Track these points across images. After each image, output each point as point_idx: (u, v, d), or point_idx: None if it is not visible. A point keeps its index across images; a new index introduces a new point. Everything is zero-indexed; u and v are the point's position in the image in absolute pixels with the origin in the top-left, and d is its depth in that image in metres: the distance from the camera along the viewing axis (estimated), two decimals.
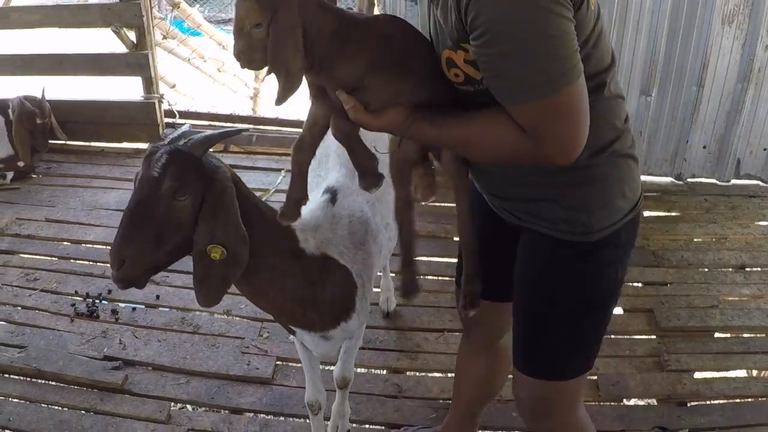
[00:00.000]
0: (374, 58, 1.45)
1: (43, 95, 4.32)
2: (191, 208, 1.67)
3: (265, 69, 1.45)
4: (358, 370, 2.80)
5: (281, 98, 1.43)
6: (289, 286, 1.87)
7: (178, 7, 5.74)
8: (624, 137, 1.64)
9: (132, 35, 4.42)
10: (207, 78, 6.19)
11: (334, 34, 1.42)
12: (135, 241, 1.68)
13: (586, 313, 1.75)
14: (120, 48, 4.60)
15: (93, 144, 4.77)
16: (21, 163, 4.29)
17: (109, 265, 2.71)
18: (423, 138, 1.58)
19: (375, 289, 3.13)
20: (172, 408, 2.64)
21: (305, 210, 1.77)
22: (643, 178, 3.76)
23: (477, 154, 1.60)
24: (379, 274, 3.10)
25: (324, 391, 2.37)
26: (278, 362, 2.85)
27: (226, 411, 2.66)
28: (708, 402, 2.70)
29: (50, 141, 4.60)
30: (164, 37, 4.47)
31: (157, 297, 3.20)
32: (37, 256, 3.56)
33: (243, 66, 1.46)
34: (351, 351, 2.32)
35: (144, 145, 4.66)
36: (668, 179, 4.15)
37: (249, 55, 1.40)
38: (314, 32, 1.40)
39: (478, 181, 1.77)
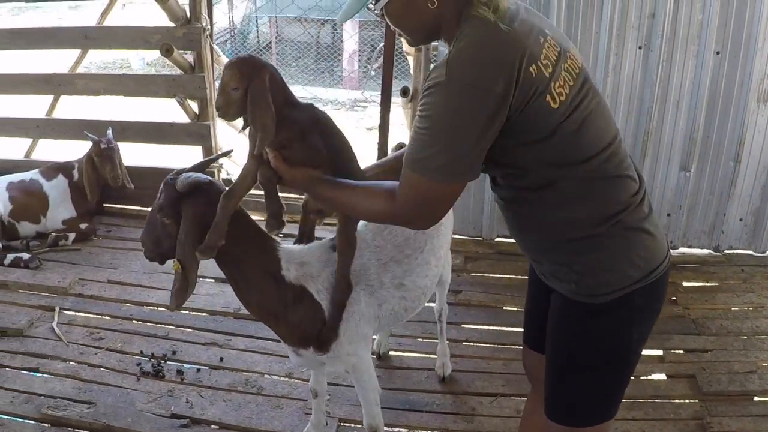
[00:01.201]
0: (303, 131, 1.94)
1: (108, 133, 4.48)
2: (173, 225, 2.18)
3: (240, 122, 1.96)
4: None
5: (260, 147, 1.88)
6: (264, 301, 2.28)
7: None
8: (632, 212, 1.77)
9: (194, 106, 4.62)
10: None
11: (283, 106, 1.92)
12: (146, 240, 2.32)
13: (603, 368, 1.91)
14: (181, 117, 4.82)
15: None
16: (83, 225, 4.48)
17: (172, 327, 3.19)
18: (321, 197, 1.97)
19: (431, 355, 3.29)
20: None
21: (306, 246, 2.37)
22: (682, 249, 3.98)
23: (357, 216, 2.06)
24: (435, 340, 3.25)
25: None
26: (341, 423, 2.96)
27: None
28: None
29: (107, 205, 4.81)
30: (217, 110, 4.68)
31: (221, 359, 3.33)
32: (101, 316, 3.69)
33: (220, 116, 1.97)
34: (364, 395, 2.53)
35: None
36: (707, 251, 4.25)
37: (226, 109, 1.90)
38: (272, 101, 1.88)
39: (522, 249, 1.97)
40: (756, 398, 3.14)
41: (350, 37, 11.07)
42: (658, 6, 3.68)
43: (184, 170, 2.22)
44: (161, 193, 2.23)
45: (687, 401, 3.11)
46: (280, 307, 2.28)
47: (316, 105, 2.07)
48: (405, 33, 1.84)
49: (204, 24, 4.36)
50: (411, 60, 4.08)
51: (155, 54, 12.19)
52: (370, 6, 1.74)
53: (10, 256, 4.17)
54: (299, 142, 1.94)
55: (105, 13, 4.79)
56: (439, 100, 1.63)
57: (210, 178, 2.24)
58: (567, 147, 1.71)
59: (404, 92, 4.02)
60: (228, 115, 1.93)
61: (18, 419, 2.95)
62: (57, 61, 5.73)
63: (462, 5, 1.68)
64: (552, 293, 1.94)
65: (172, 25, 4.40)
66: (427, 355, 3.39)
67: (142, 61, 12.04)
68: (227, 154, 2.86)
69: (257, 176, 1.99)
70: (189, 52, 4.52)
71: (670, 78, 3.83)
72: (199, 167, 2.33)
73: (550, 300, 1.95)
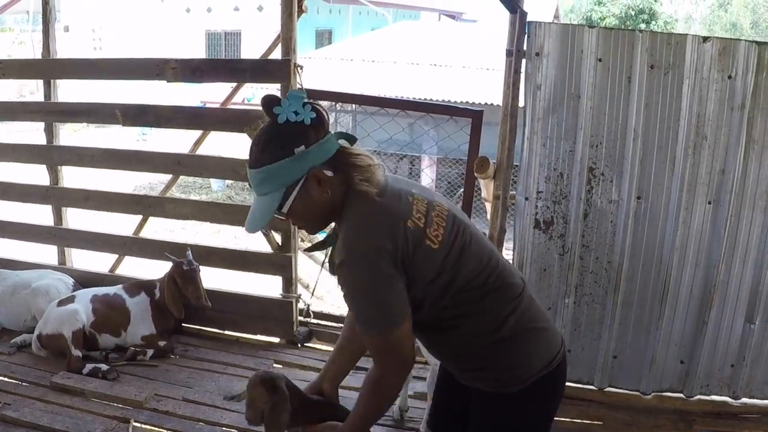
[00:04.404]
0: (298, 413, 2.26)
1: (188, 254, 4.71)
2: None
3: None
4: None
5: None
6: None
7: None
8: (520, 316, 2.18)
9: (278, 237, 4.80)
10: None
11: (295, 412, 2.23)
12: None
13: None
14: (263, 246, 5.03)
15: (228, 333, 5.09)
16: (162, 343, 4.65)
17: None
18: None
19: None
20: None
21: None
22: (745, 400, 3.99)
23: (380, 416, 2.26)
24: None
25: None
26: None
27: None
28: None
29: (185, 324, 4.99)
30: (302, 240, 4.88)
31: None
32: None
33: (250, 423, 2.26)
34: None
35: (277, 340, 5.00)
36: None
37: (255, 420, 2.21)
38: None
39: (442, 362, 2.42)
40: None
41: (428, 172, 11.36)
42: (728, 163, 3.80)
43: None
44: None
45: None
46: None
47: None
48: (305, 224, 2.18)
49: None
50: (488, 206, 4.26)
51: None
52: (275, 213, 2.07)
53: (89, 366, 4.33)
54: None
55: (197, 143, 5.06)
56: (348, 275, 2.01)
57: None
58: (454, 278, 2.09)
59: None
60: (253, 423, 2.23)
61: None
62: (146, 176, 6.02)
63: (346, 185, 2.06)
64: (470, 389, 2.28)
65: None
66: None
67: (222, 183, 12.50)
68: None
69: None
70: None
71: (737, 233, 3.90)
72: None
73: (470, 395, 2.29)
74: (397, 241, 1.99)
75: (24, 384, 4.19)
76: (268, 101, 1.99)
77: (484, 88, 11.42)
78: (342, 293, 2.06)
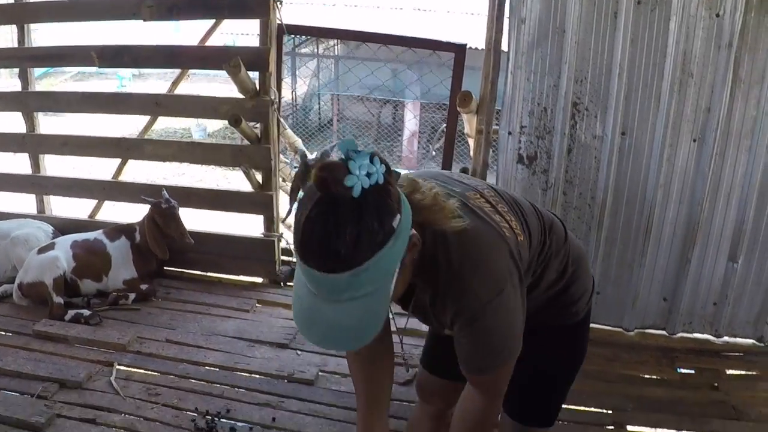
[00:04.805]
0: None
1: (163, 194, 4.65)
2: None
3: None
4: None
5: None
6: None
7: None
8: (574, 249, 2.16)
9: (259, 176, 4.74)
10: None
11: None
12: None
13: (574, 373, 2.30)
14: (244, 186, 4.97)
15: (210, 274, 5.07)
16: (144, 286, 4.62)
17: (227, 386, 3.39)
18: None
19: None
20: None
21: None
22: (726, 338, 4.06)
23: None
24: None
25: None
26: None
27: None
28: None
29: (167, 268, 4.96)
30: (284, 180, 4.83)
31: (273, 419, 3.38)
32: (158, 374, 3.78)
33: None
34: None
35: (259, 279, 4.98)
36: (750, 341, 4.25)
37: None
38: None
39: None
40: None
41: (412, 118, 11.29)
42: (714, 101, 3.76)
43: None
44: None
45: None
46: None
47: None
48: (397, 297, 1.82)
49: (272, 97, 4.52)
50: (471, 142, 4.22)
51: (216, 125, 12.62)
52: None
53: (71, 312, 4.30)
54: None
55: (175, 83, 4.99)
56: (489, 323, 1.76)
57: None
58: (531, 244, 1.97)
59: (464, 171, 4.14)
60: None
61: None
62: (124, 126, 5.97)
63: (430, 234, 1.70)
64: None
65: (241, 96, 4.57)
66: None
67: (203, 132, 12.40)
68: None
69: None
70: (256, 124, 4.68)
71: (722, 171, 3.89)
72: None
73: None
74: (514, 256, 1.81)
75: (6, 334, 4.16)
76: (331, 170, 1.41)
77: (469, 32, 11.32)
78: (465, 346, 1.82)
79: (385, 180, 1.46)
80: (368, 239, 1.43)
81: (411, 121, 11.29)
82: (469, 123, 4.23)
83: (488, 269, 1.75)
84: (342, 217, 1.41)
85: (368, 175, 1.41)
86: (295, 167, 3.71)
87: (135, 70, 17.96)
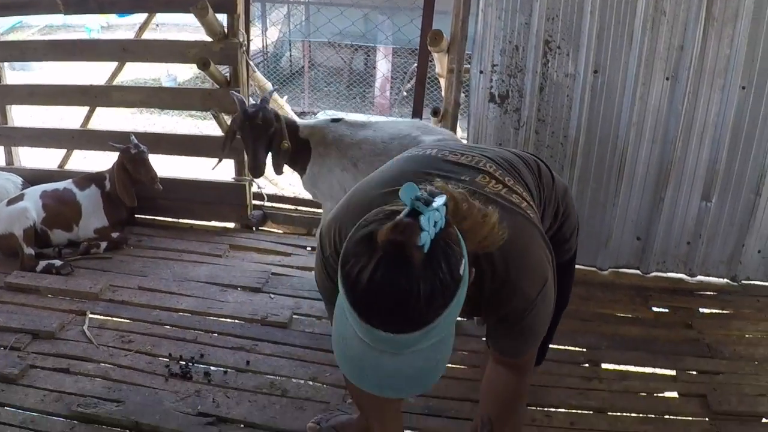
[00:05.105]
0: None
1: (132, 139, 4.58)
2: None
3: None
4: None
5: None
6: None
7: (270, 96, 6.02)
8: (560, 195, 2.28)
9: (228, 119, 4.58)
10: None
11: None
12: None
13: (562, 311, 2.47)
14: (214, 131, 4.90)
15: (182, 221, 5.03)
16: (115, 234, 4.58)
17: (200, 331, 3.45)
18: None
19: (449, 365, 3.32)
20: None
21: None
22: (700, 277, 4.10)
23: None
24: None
25: None
26: None
27: None
28: None
29: (138, 216, 4.92)
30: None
31: (248, 363, 3.38)
32: (131, 321, 3.75)
33: None
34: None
35: (231, 225, 4.95)
36: (724, 280, 4.28)
37: None
38: None
39: None
40: (764, 420, 3.17)
41: (384, 63, 11.17)
42: (687, 39, 3.74)
43: None
44: None
45: (698, 419, 3.14)
46: None
47: None
48: None
49: (241, 40, 4.45)
50: (443, 82, 4.18)
51: (187, 74, 12.46)
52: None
53: (42, 263, 4.25)
54: None
55: (142, 28, 4.91)
56: (538, 315, 1.79)
57: None
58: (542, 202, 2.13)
59: (435, 112, 4.11)
60: None
61: (48, 417, 3.01)
62: (93, 74, 5.85)
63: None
64: None
65: (209, 39, 4.49)
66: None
67: (173, 81, 12.22)
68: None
69: None
70: (225, 67, 4.60)
71: (695, 110, 3.88)
72: None
73: None
74: (544, 236, 1.85)
75: None
76: (406, 233, 1.31)
77: None
78: (506, 336, 1.85)
79: (446, 221, 1.37)
80: (441, 295, 1.34)
81: (383, 66, 11.19)
82: (440, 62, 4.18)
83: (532, 266, 1.76)
84: (414, 278, 1.31)
85: (435, 223, 1.33)
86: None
87: (103, 22, 17.61)
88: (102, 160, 5.04)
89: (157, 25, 4.66)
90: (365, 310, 1.33)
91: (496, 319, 1.77)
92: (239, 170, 4.84)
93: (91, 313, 3.79)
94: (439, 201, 1.34)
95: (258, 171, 3.78)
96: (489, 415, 1.98)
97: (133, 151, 4.50)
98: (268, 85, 4.80)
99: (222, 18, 4.46)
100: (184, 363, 3.37)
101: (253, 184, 4.90)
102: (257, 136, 3.68)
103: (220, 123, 4.62)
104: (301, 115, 5.36)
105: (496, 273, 1.64)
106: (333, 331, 1.47)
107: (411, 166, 1.90)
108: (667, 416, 3.15)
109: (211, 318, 3.79)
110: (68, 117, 5.43)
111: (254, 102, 3.89)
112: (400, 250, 1.29)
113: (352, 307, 1.35)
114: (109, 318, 3.78)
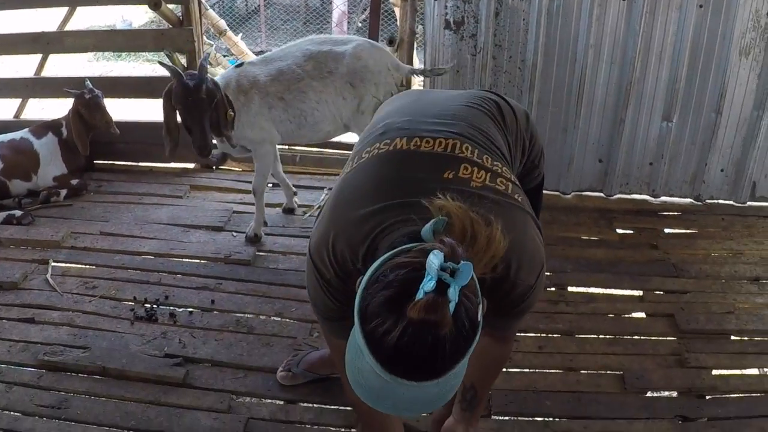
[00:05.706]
0: None
1: (87, 84, 4.49)
2: None
3: None
4: None
5: None
6: None
7: (224, 34, 6.00)
8: (523, 127, 2.19)
9: (183, 59, 4.53)
10: None
11: None
12: None
13: None
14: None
15: (141, 164, 4.96)
16: (74, 181, 4.51)
17: (164, 273, 3.44)
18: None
19: None
20: (232, 399, 2.81)
21: None
22: (664, 198, 4.08)
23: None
24: None
25: None
26: None
27: (282, 401, 2.83)
28: (725, 395, 2.87)
29: (97, 161, 4.85)
30: (210, 65, 4.69)
31: (212, 302, 3.39)
32: (94, 267, 3.73)
33: None
34: (258, 168, 3.84)
35: (191, 165, 4.89)
36: (688, 200, 4.32)
37: None
38: None
39: None
40: (732, 337, 3.23)
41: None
42: None
43: None
44: None
45: (666, 338, 3.19)
46: None
47: None
48: None
49: None
50: (397, 11, 4.13)
51: (142, 19, 12.21)
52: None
53: (2, 214, 4.19)
54: None
55: None
56: (537, 289, 1.79)
57: None
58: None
59: (390, 41, 4.07)
60: None
61: (15, 367, 3.00)
62: (45, 22, 5.71)
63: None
64: None
65: None
66: None
67: (128, 26, 11.98)
68: None
69: None
70: (177, 6, 4.50)
71: (653, 30, 3.86)
72: None
73: None
74: (534, 217, 1.83)
75: None
76: (439, 314, 1.29)
77: None
78: (501, 318, 1.81)
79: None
80: (464, 347, 1.36)
81: (339, 0, 11.01)
82: None
83: (530, 258, 1.73)
84: (441, 341, 1.31)
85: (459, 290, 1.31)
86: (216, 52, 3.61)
87: None
88: (59, 109, 4.92)
89: None
90: (389, 366, 1.33)
91: (493, 306, 1.74)
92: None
93: (54, 261, 3.76)
94: (465, 269, 1.32)
95: (207, 150, 3.49)
96: (472, 380, 2.09)
97: (88, 96, 4.41)
98: (222, 23, 4.74)
99: None
100: (149, 306, 3.37)
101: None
102: (202, 111, 3.40)
103: (174, 62, 4.52)
104: (259, 54, 5.25)
105: (496, 272, 1.58)
106: (346, 356, 1.44)
107: (389, 169, 1.79)
108: (635, 336, 3.20)
109: (175, 259, 3.78)
110: (23, 68, 5.29)
111: (191, 71, 3.58)
112: (432, 329, 1.30)
113: (374, 357, 1.34)
114: (72, 265, 3.75)
